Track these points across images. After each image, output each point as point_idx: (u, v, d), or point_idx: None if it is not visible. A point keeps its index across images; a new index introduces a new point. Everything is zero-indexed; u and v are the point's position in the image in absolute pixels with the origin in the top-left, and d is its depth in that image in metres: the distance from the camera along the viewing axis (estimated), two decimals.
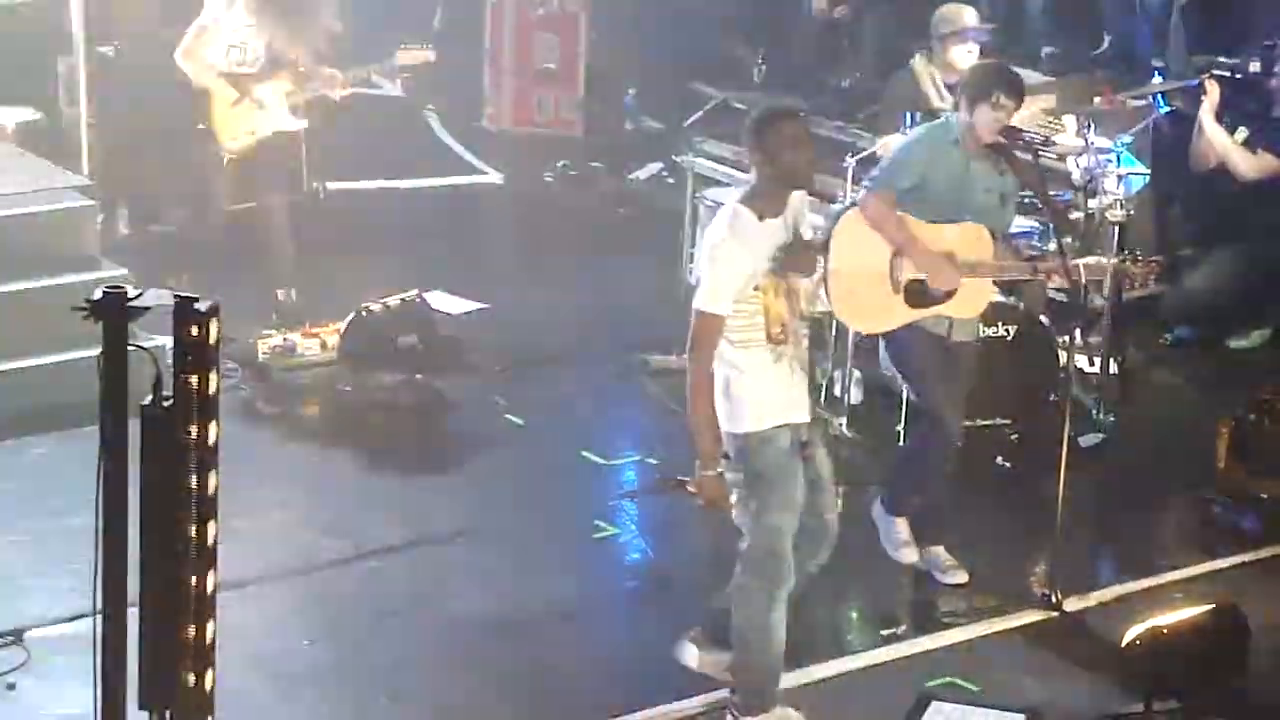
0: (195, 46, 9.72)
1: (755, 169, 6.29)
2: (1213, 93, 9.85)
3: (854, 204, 7.71)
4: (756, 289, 6.17)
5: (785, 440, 6.25)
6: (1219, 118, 9.92)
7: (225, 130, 9.77)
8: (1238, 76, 9.99)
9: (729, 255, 6.17)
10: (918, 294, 7.48)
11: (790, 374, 6.29)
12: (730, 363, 6.22)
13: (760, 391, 6.22)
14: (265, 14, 9.69)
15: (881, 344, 8.01)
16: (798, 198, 6.36)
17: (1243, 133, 9.97)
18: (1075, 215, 9.52)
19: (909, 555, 7.75)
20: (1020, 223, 9.06)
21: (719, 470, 6.20)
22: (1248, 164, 9.88)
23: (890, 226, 7.42)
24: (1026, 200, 8.61)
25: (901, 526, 7.76)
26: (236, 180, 9.88)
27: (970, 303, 7.56)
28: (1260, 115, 10.01)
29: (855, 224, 7.57)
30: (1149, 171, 10.04)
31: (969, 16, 9.46)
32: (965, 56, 9.37)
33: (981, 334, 8.35)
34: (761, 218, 6.20)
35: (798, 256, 6.30)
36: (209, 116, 9.74)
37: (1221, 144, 9.87)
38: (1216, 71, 9.97)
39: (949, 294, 7.45)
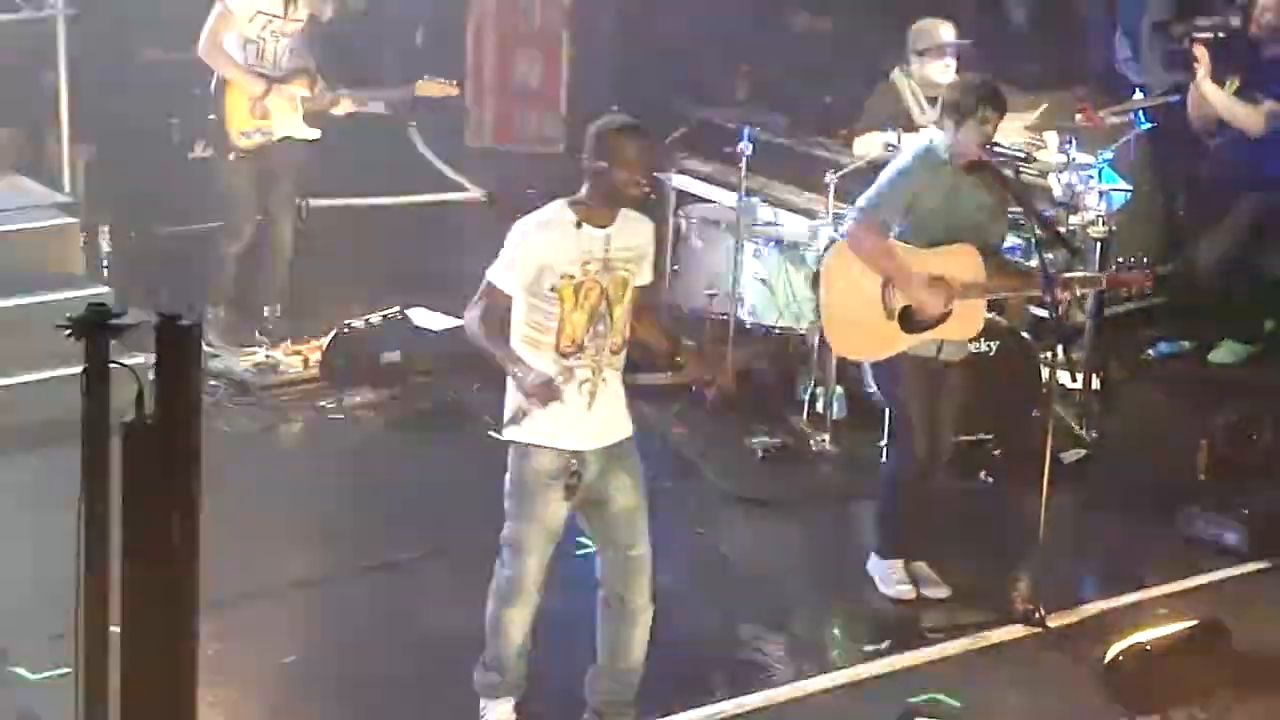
0: (218, 32, 9.49)
1: (586, 177, 6.24)
2: (1204, 58, 9.89)
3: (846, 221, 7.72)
4: (553, 289, 6.11)
5: (545, 462, 6.18)
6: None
7: (236, 124, 9.59)
8: (1221, 35, 10.03)
9: (525, 237, 6.16)
10: (913, 319, 7.47)
11: (577, 397, 6.16)
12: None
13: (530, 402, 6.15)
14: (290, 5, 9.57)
15: (867, 364, 8.02)
16: (635, 225, 6.30)
17: (1234, 83, 10.00)
18: (1061, 230, 9.53)
19: (907, 592, 7.72)
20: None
21: (520, 369, 6.10)
22: (1253, 119, 9.92)
23: (876, 254, 7.41)
24: (1010, 215, 8.63)
25: (896, 567, 7.74)
26: (246, 185, 9.75)
27: (966, 324, 7.56)
28: (1249, 63, 10.03)
29: (844, 254, 7.58)
30: (1131, 189, 10.06)
31: (945, 31, 9.48)
32: (942, 72, 9.41)
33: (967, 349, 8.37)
34: (580, 224, 6.16)
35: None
36: (222, 107, 9.57)
37: (1225, 106, 9.89)
38: (1199, 35, 10.00)
39: (944, 316, 7.45)
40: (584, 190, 6.24)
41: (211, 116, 9.62)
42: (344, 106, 9.88)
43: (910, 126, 9.37)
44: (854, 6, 13.64)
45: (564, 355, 6.14)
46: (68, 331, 4.44)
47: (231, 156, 9.64)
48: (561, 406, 6.11)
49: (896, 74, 9.64)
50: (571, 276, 6.12)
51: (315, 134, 9.83)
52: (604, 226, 6.18)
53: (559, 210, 6.19)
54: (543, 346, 6.14)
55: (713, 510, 8.55)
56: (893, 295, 7.46)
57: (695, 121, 13.07)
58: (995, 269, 7.60)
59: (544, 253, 6.12)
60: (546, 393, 6.04)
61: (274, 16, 9.57)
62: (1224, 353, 10.64)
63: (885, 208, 7.46)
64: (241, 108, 9.57)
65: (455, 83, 10.11)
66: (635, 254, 6.28)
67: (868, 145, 9.43)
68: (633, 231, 6.28)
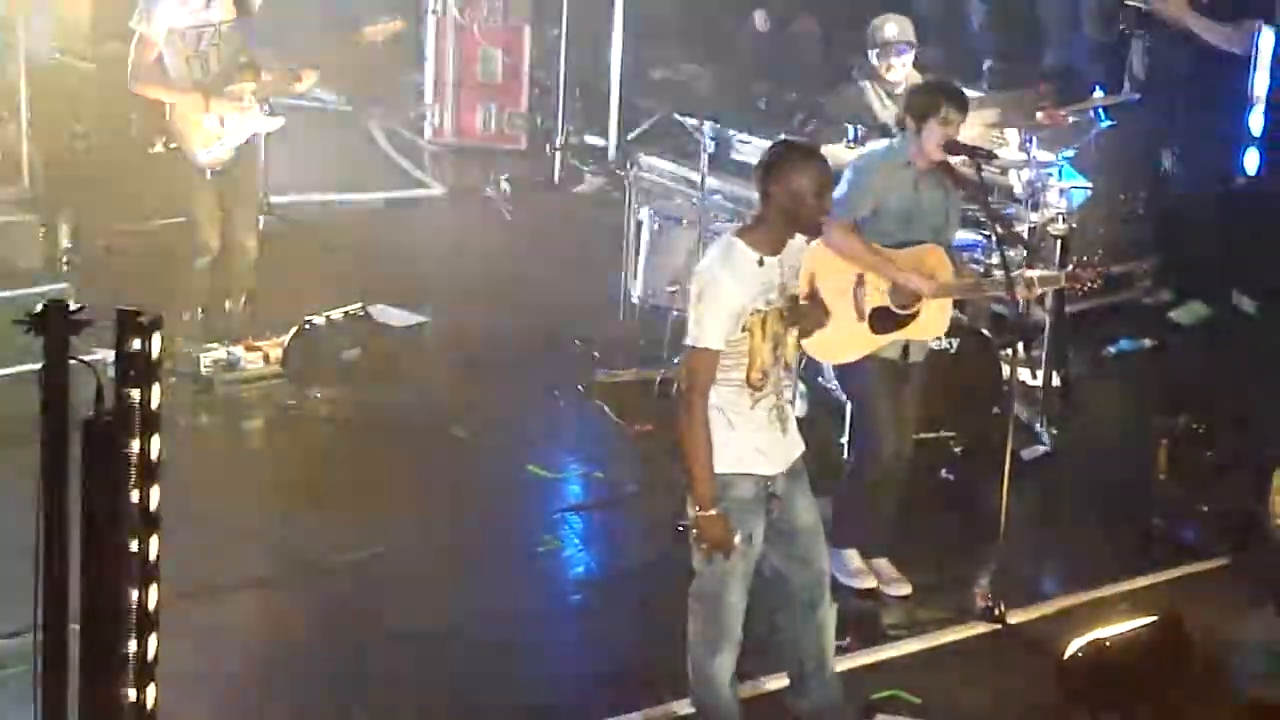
0: (142, 64, 9.39)
1: (765, 204, 6.07)
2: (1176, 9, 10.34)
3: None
4: (744, 329, 5.99)
5: (746, 489, 6.09)
6: None
7: (198, 143, 9.47)
8: None
9: (721, 289, 5.98)
10: (883, 320, 7.47)
11: (766, 422, 6.11)
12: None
13: (727, 434, 6.05)
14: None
15: (829, 365, 8.03)
16: (798, 243, 6.19)
17: None
18: (1019, 228, 9.57)
19: (865, 581, 7.74)
20: (965, 236, 9.09)
21: (718, 511, 6.01)
22: (1228, 37, 10.35)
23: (858, 252, 7.40)
24: (969, 213, 8.65)
25: (852, 556, 7.75)
26: (212, 199, 9.63)
27: (933, 324, 7.58)
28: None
29: (816, 255, 7.57)
30: (1091, 185, 10.11)
31: (889, 29, 9.52)
32: (890, 70, 9.45)
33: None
34: (758, 255, 6.04)
35: (808, 317, 6.18)
36: (178, 133, 9.44)
37: (1204, 28, 10.36)
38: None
39: (913, 317, 7.46)
40: (758, 220, 6.13)
41: (174, 145, 9.51)
42: (307, 81, 9.75)
43: (873, 124, 9.39)
44: (818, 5, 13.68)
45: (755, 387, 6.07)
46: (27, 327, 4.43)
47: (208, 175, 9.55)
48: (756, 431, 6.08)
49: (857, 72, 9.67)
50: (759, 310, 6.03)
51: (279, 122, 9.77)
52: (777, 254, 6.08)
53: (735, 248, 6.05)
54: (732, 384, 6.03)
55: (673, 507, 8.54)
56: (864, 295, 7.47)
57: (657, 118, 13.12)
58: (959, 270, 7.62)
59: (739, 297, 5.98)
60: (719, 545, 6.02)
61: (205, 26, 9.46)
62: (1185, 312, 10.81)
63: (855, 207, 7.45)
64: (198, 125, 9.48)
65: (399, 17, 9.97)
66: (798, 269, 6.21)
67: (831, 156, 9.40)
68: (794, 248, 6.18)
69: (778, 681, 6.77)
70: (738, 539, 6.04)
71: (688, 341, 6.04)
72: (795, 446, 6.28)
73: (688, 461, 6.04)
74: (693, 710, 6.43)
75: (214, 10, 9.45)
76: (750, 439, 6.09)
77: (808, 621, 6.36)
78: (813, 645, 6.39)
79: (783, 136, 6.21)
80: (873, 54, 9.56)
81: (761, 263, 6.03)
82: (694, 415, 6.00)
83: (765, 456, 6.14)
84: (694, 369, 6.00)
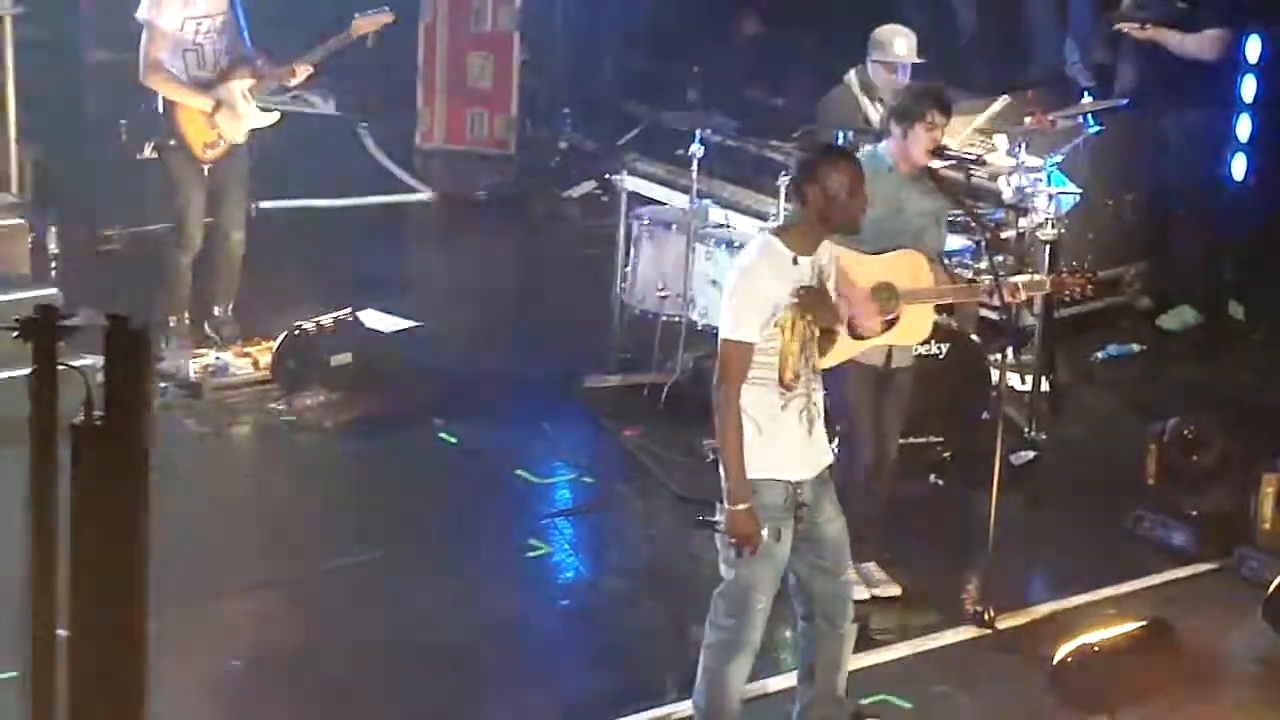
0: (154, 54, 9.37)
1: (801, 205, 6.09)
2: (1147, 33, 10.39)
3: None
4: (776, 325, 5.98)
5: (775, 495, 6.05)
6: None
7: (199, 139, 9.48)
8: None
9: (756, 282, 6.00)
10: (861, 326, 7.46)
11: (797, 425, 6.09)
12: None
13: (759, 438, 6.02)
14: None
15: None
16: (827, 246, 6.20)
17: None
18: (1007, 234, 9.57)
19: (859, 592, 7.73)
20: (953, 241, 9.10)
21: (749, 505, 5.98)
22: (1201, 45, 10.55)
23: None
24: (958, 219, 8.65)
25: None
26: (201, 194, 9.60)
27: (912, 330, 7.56)
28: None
29: None
30: (1080, 191, 10.12)
31: (899, 46, 9.47)
32: (889, 83, 9.42)
33: (914, 353, 8.39)
34: (793, 254, 6.04)
35: (820, 306, 6.14)
36: (178, 129, 9.44)
37: (1176, 42, 10.55)
38: (1126, 26, 10.81)
39: (892, 322, 7.45)
40: (794, 219, 6.15)
41: (172, 142, 9.49)
42: (301, 75, 9.76)
43: (867, 128, 9.37)
44: (806, 10, 13.67)
45: (787, 388, 6.05)
46: (15, 333, 4.43)
47: (205, 171, 9.55)
48: (787, 434, 6.06)
49: (851, 76, 9.64)
50: (791, 313, 6.02)
51: (274, 117, 9.76)
52: (810, 255, 6.09)
53: (772, 245, 6.05)
54: (765, 385, 6.02)
55: (663, 512, 8.56)
56: (843, 303, 7.46)
57: (647, 123, 13.12)
58: (940, 276, 7.61)
59: (774, 291, 5.98)
60: (748, 541, 5.99)
61: (203, 17, 9.46)
62: (1173, 317, 10.86)
63: None
64: (198, 121, 9.46)
65: (387, 9, 9.96)
66: (830, 270, 6.22)
67: None
68: (827, 250, 6.20)
69: (779, 682, 6.79)
70: (765, 533, 6.02)
71: (722, 334, 6.03)
72: (824, 454, 6.26)
73: (722, 454, 6.02)
74: (691, 713, 6.44)
75: (208, 1, 9.43)
76: (780, 444, 6.06)
77: (827, 637, 6.35)
78: (829, 662, 6.38)
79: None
80: (876, 65, 9.49)
81: (796, 261, 6.04)
82: (727, 407, 5.99)
83: (794, 461, 6.12)
84: (727, 360, 5.99)
